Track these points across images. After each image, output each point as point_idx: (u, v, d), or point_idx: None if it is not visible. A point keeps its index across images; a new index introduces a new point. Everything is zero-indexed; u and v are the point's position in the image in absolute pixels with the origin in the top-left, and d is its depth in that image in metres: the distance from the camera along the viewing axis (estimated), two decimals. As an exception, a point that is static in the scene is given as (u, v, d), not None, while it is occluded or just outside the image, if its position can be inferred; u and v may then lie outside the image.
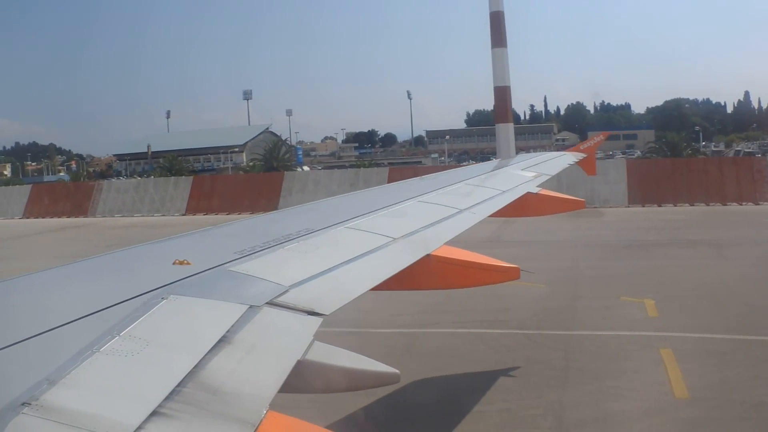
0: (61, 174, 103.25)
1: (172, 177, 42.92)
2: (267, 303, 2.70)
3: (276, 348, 2.46)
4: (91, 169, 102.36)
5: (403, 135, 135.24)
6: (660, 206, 25.49)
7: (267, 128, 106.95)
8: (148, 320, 2.34)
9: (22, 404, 1.71)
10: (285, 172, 43.70)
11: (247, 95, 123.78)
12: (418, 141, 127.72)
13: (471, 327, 10.16)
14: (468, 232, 4.78)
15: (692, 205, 25.41)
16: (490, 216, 5.73)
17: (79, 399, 1.81)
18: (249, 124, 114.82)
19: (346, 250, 3.70)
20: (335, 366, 2.55)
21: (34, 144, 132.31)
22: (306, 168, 71.88)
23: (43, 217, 32.27)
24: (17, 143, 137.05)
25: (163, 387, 1.93)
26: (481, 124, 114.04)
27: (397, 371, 2.83)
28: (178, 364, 2.08)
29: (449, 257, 4.22)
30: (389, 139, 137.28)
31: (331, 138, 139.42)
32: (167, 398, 1.88)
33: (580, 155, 10.44)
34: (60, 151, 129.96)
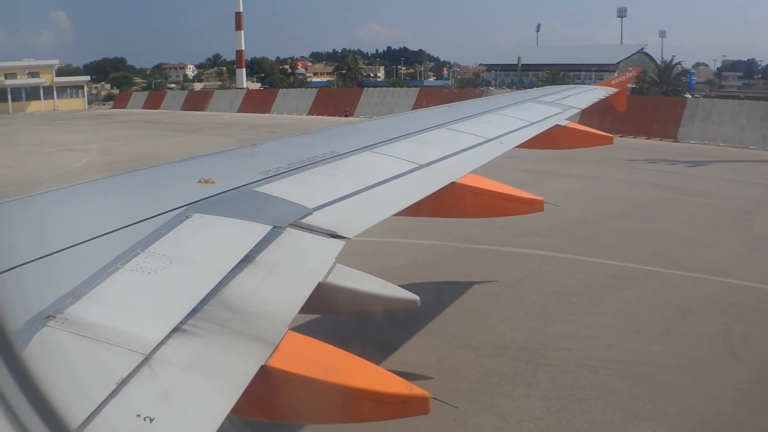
0: (431, 80, 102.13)
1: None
2: (290, 224, 2.70)
3: (298, 269, 2.46)
4: (459, 77, 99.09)
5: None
6: None
7: (641, 48, 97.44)
8: (171, 237, 2.35)
9: (48, 317, 1.73)
10: (687, 98, 39.08)
11: (622, 12, 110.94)
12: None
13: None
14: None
15: None
16: (517, 147, 5.64)
17: (103, 313, 1.83)
18: (621, 42, 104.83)
19: (371, 174, 3.67)
20: (356, 289, 2.55)
21: (405, 49, 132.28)
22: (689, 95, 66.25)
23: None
24: (389, 47, 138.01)
25: (185, 304, 1.95)
26: None
27: (416, 297, 2.82)
28: (200, 282, 2.10)
29: (474, 186, 4.18)
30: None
31: (703, 64, 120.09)
32: (189, 315, 1.90)
33: (611, 90, 10.09)
34: (428, 57, 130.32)
